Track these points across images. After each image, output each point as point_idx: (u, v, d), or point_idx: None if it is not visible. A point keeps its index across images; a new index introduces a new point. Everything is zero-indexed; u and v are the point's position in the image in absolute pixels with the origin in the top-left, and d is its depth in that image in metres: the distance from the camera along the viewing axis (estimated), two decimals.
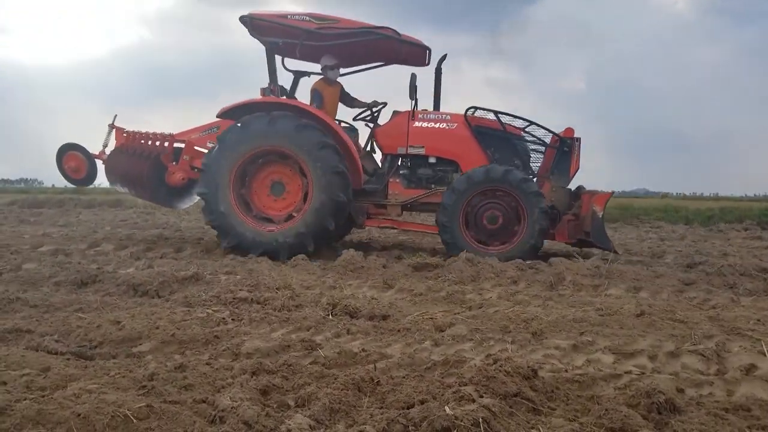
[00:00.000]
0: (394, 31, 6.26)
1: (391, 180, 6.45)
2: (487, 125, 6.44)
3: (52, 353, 2.29)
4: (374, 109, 6.81)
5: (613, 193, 6.14)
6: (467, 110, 6.40)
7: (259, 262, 5.52)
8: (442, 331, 3.03)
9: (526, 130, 6.50)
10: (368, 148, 6.91)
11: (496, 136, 6.41)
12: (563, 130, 6.37)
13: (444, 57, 6.54)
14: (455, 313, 3.51)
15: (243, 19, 6.19)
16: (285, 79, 6.82)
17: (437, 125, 6.39)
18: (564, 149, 6.27)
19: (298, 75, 6.88)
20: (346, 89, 6.87)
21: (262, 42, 6.30)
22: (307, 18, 6.11)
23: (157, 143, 6.56)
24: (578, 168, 6.26)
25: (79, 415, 1.54)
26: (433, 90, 6.61)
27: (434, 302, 3.93)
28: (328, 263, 5.44)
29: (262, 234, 5.93)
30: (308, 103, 6.40)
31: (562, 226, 6.15)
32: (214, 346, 2.60)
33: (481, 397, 1.96)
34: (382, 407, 1.93)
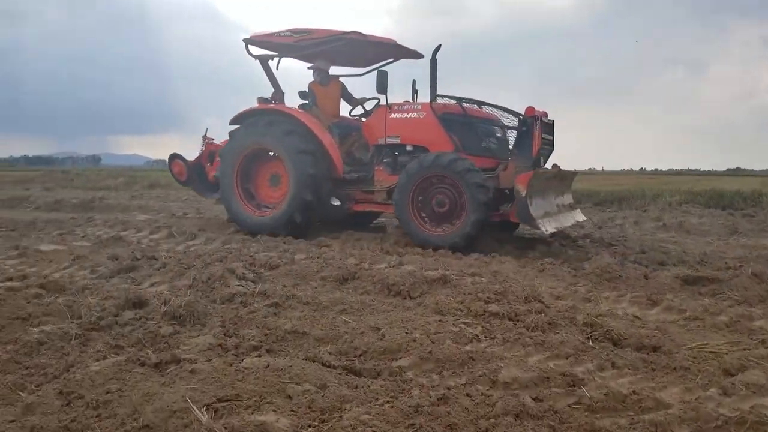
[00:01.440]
0: (360, 33, 6.93)
1: (377, 168, 7.01)
2: (451, 112, 6.65)
3: (327, 366, 2.46)
4: (365, 105, 7.64)
5: (535, 171, 5.86)
6: (431, 100, 6.71)
7: (503, 263, 5.42)
8: (731, 375, 2.56)
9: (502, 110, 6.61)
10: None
11: (459, 122, 6.61)
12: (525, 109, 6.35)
13: (438, 47, 6.80)
14: (744, 349, 2.95)
15: (244, 40, 7.39)
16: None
17: (409, 115, 6.84)
18: (523, 129, 6.34)
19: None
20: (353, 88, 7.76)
21: (256, 58, 7.50)
22: (288, 33, 7.07)
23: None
24: (540, 147, 6.23)
25: None
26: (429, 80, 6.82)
27: (713, 329, 3.37)
28: (578, 269, 5.09)
29: (252, 217, 7.16)
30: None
31: (514, 206, 6.07)
32: (470, 368, 2.55)
33: None
34: None
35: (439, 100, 6.72)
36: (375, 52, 7.45)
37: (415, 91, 7.19)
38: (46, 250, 5.63)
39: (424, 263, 5.13)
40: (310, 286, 4.24)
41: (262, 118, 7.13)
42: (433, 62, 6.80)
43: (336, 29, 6.96)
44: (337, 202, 7.06)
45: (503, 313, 3.34)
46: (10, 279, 4.31)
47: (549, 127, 6.62)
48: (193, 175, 8.51)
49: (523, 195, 5.66)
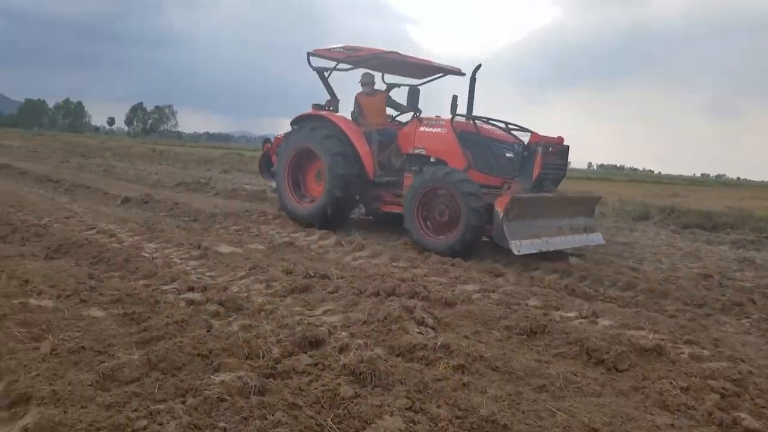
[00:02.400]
0: (399, 53, 7.77)
1: (406, 174, 7.51)
2: (468, 130, 7.17)
3: None
4: (405, 114, 8.36)
5: (513, 196, 6.15)
6: (452, 117, 7.31)
7: (721, 325, 4.52)
8: None
9: (513, 133, 7.12)
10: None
11: (473, 140, 7.10)
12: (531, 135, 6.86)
13: (478, 66, 7.39)
14: None
15: (307, 53, 8.26)
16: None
17: (434, 130, 7.39)
18: (525, 153, 6.78)
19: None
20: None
21: (314, 69, 8.36)
22: (341, 49, 7.91)
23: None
24: (540, 171, 6.57)
25: None
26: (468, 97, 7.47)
27: None
28: None
29: (297, 207, 8.07)
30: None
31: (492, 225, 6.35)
32: None
33: None
34: None
35: (459, 118, 7.37)
36: (419, 68, 8.34)
37: (455, 107, 7.59)
38: (225, 253, 5.73)
39: (622, 316, 4.39)
40: (494, 337, 3.74)
41: (311, 123, 8.03)
42: (473, 80, 7.43)
43: (380, 49, 7.84)
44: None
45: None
46: (192, 289, 4.33)
47: (561, 153, 7.05)
48: (262, 160, 9.65)
49: (501, 216, 6.03)
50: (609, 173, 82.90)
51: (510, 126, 7.14)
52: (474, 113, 7.39)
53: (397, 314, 3.76)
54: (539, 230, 6.46)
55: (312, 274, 4.88)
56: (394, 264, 5.93)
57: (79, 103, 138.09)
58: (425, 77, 8.67)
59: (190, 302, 4.03)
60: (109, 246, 5.48)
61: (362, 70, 8.29)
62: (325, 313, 4.12)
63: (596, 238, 7.33)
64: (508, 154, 7.04)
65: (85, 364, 2.76)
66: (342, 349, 3.20)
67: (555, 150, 6.85)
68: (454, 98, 7.60)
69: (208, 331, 3.35)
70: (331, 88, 8.49)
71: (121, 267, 4.87)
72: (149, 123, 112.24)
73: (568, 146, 7.07)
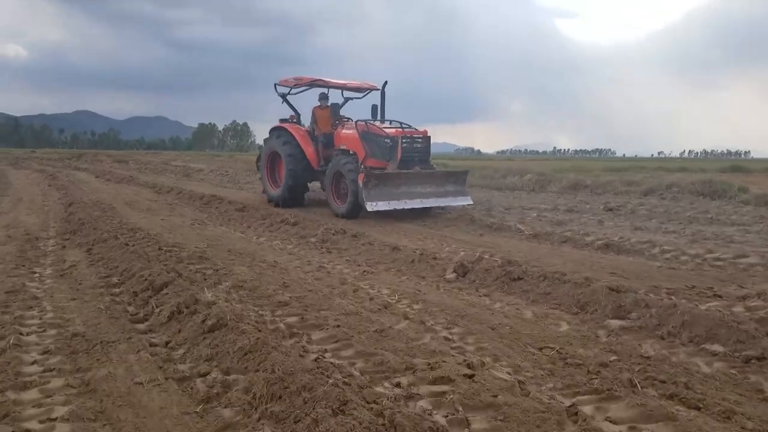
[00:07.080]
0: (322, 80, 11.54)
1: None
2: (365, 130, 10.36)
3: None
4: (337, 122, 11.48)
5: (366, 172, 9.52)
6: (357, 121, 10.64)
7: None
8: None
9: (385, 130, 10.31)
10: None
11: (368, 137, 10.26)
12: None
13: (385, 83, 11.18)
14: None
15: (275, 84, 12.11)
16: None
17: (348, 131, 10.72)
18: (390, 144, 10.00)
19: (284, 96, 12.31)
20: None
21: (279, 95, 12.12)
22: (293, 80, 11.67)
23: None
24: (401, 156, 9.81)
25: None
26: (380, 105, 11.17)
27: None
28: None
29: (272, 191, 12.03)
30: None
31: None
32: None
33: None
34: None
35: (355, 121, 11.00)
36: (342, 88, 11.99)
37: (375, 113, 11.01)
38: None
39: None
40: None
41: (278, 132, 11.96)
42: (382, 93, 11.05)
43: (311, 77, 11.50)
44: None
45: None
46: None
47: (424, 141, 10.23)
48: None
49: (360, 186, 9.25)
50: None
51: (403, 125, 10.49)
52: (388, 116, 11.00)
53: None
54: (399, 195, 9.56)
55: None
56: None
57: (245, 124, 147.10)
58: (359, 93, 12.26)
59: None
60: None
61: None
62: None
63: (464, 200, 10.41)
64: (388, 145, 10.00)
65: None
66: None
67: (419, 140, 10.15)
68: (374, 107, 11.02)
69: None
70: (292, 105, 12.19)
71: None
72: None
73: (429, 137, 10.33)
